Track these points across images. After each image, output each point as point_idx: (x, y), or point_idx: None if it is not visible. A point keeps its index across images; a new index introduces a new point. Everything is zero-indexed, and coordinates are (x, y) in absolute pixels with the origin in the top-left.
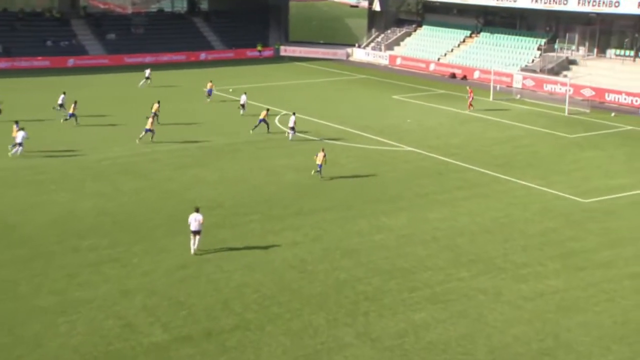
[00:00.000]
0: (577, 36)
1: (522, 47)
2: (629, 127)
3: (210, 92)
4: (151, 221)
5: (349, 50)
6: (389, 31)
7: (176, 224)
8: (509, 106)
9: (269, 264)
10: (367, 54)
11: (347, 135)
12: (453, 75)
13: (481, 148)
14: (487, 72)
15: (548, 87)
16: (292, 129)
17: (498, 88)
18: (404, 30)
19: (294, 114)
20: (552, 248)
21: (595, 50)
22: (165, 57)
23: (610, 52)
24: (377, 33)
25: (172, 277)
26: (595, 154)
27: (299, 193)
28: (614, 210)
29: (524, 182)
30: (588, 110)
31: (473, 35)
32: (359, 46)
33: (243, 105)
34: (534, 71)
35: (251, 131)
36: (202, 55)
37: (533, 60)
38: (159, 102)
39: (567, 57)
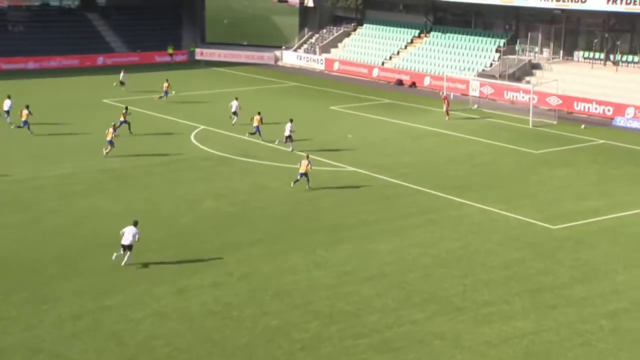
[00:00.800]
0: (540, 36)
1: (478, 49)
2: (601, 141)
3: (166, 93)
4: (34, 263)
5: (278, 53)
6: (324, 31)
7: (66, 266)
8: (466, 118)
9: (184, 310)
10: (299, 57)
11: (277, 154)
12: (400, 82)
13: (435, 167)
14: (440, 78)
15: (509, 95)
16: (289, 137)
17: (452, 96)
18: (342, 29)
19: (290, 120)
20: (518, 283)
21: (561, 52)
22: (53, 62)
23: (578, 54)
24: (310, 33)
25: (63, 331)
26: (564, 172)
27: (220, 224)
28: (587, 238)
29: (484, 207)
30: (555, 122)
31: (422, 35)
32: (290, 48)
33: (235, 113)
34: (493, 77)
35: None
36: (100, 60)
37: (491, 64)
38: (126, 109)
39: (529, 61)
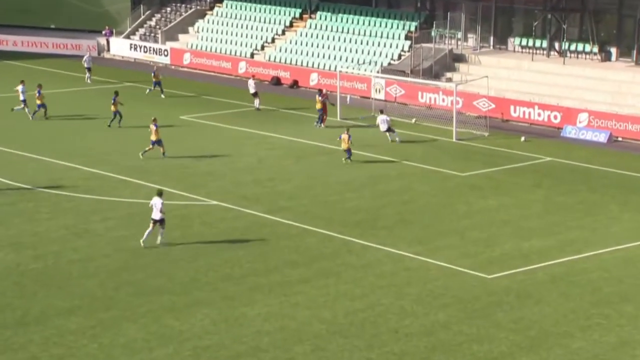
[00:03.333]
0: (463, 18)
1: (382, 36)
2: (547, 158)
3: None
4: None
5: (102, 40)
6: (168, 10)
7: None
8: (365, 128)
9: None
10: (133, 46)
11: (104, 183)
12: (277, 81)
13: (326, 197)
14: (331, 75)
15: (425, 98)
16: (389, 129)
17: (349, 100)
18: (194, 8)
19: (381, 111)
20: (443, 356)
21: (492, 39)
22: None
23: (514, 41)
24: (148, 12)
25: None
26: (499, 201)
27: (20, 288)
28: (532, 291)
29: (394, 250)
30: (486, 134)
31: (305, 16)
32: (120, 34)
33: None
34: (402, 73)
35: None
36: None
37: (400, 56)
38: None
39: (450, 51)
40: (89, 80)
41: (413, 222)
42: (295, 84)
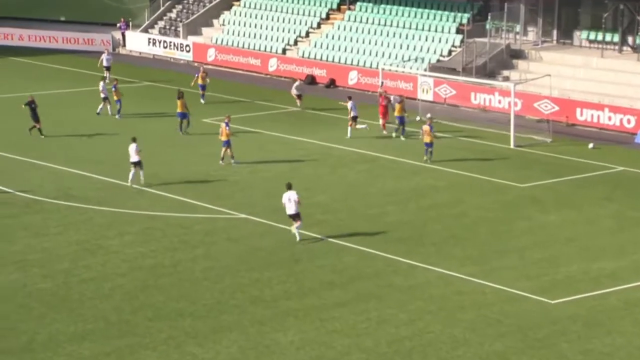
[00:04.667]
0: (523, 9)
1: (430, 29)
2: (619, 168)
3: None
4: None
5: (117, 34)
6: (190, 0)
7: None
8: (413, 133)
9: None
10: (151, 41)
11: (120, 194)
12: (312, 80)
13: (367, 210)
14: (372, 73)
15: (479, 99)
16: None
17: (392, 101)
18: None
19: (349, 98)
20: None
21: (555, 32)
22: None
23: (580, 35)
24: (169, 3)
25: None
26: (564, 216)
27: (27, 310)
28: (601, 319)
29: (444, 271)
30: (549, 140)
31: (343, 8)
32: (137, 28)
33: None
34: (453, 71)
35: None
36: None
37: (450, 52)
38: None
39: (507, 46)
40: (107, 81)
41: (465, 240)
42: (332, 83)
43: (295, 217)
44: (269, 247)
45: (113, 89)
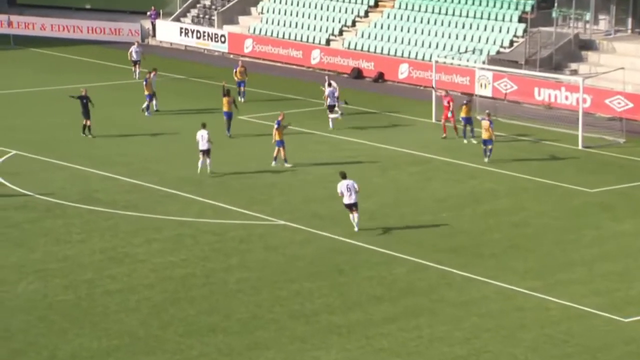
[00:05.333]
0: None
1: (489, 18)
2: None
3: None
4: None
5: (147, 23)
6: None
7: None
8: (470, 132)
9: None
10: (183, 31)
11: (148, 197)
12: (358, 74)
13: (418, 217)
14: (425, 66)
15: (543, 95)
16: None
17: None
18: None
19: (329, 84)
20: None
21: (630, 21)
22: None
23: None
24: None
25: None
26: (638, 225)
27: (46, 323)
28: None
29: (504, 285)
30: (622, 140)
31: None
32: (168, 16)
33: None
34: (515, 64)
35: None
36: None
37: (512, 43)
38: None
39: (576, 36)
40: (137, 76)
41: (527, 250)
42: (380, 77)
43: (354, 206)
44: (309, 256)
45: (144, 82)
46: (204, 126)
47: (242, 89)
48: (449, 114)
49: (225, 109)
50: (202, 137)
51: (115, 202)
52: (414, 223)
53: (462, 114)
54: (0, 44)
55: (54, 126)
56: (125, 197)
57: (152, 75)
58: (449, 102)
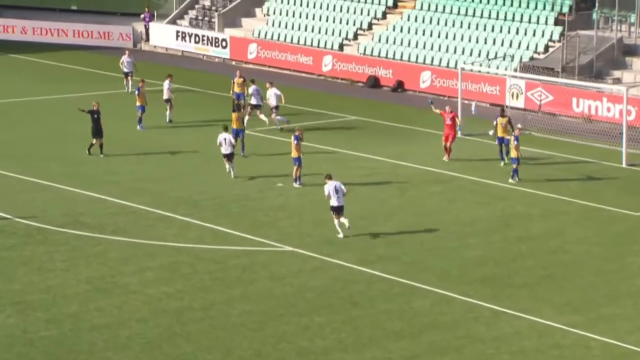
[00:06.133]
0: None
1: (522, 20)
2: None
3: None
4: None
5: (140, 27)
6: None
7: None
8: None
9: None
10: (180, 34)
11: (139, 221)
12: (375, 82)
13: (441, 242)
14: (449, 74)
15: (582, 106)
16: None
17: (474, 109)
18: None
19: (271, 83)
20: None
21: None
22: None
23: None
24: None
25: None
26: None
27: None
28: None
29: (538, 319)
30: None
31: None
32: (163, 18)
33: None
34: (550, 71)
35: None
36: None
37: (547, 48)
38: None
39: (619, 40)
40: (129, 89)
41: (565, 281)
42: (399, 86)
43: (341, 210)
44: (320, 287)
45: (136, 92)
46: (225, 129)
47: (241, 102)
48: (457, 132)
49: (234, 125)
50: (224, 141)
51: (103, 226)
52: (437, 250)
53: (499, 133)
54: None
55: (35, 141)
56: (114, 220)
57: (137, 86)
58: (452, 120)
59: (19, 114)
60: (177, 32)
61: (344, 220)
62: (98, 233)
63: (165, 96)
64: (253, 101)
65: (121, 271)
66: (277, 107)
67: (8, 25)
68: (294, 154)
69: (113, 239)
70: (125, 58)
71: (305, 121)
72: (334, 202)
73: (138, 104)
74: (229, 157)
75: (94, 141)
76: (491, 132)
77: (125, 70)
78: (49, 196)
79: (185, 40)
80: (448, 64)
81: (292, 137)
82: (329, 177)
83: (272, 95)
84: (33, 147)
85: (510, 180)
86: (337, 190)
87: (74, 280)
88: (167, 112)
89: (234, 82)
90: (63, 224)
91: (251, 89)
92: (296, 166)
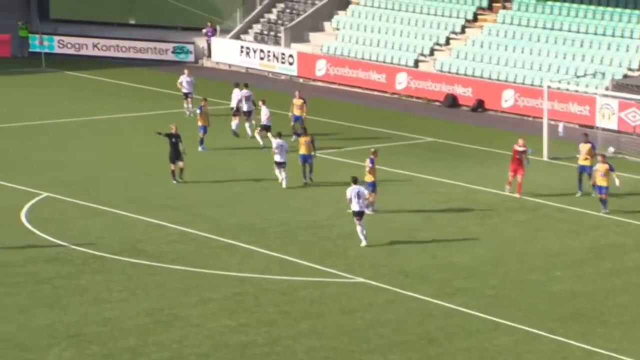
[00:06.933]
0: None
1: (614, 34)
2: None
3: None
4: None
5: (200, 41)
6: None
7: None
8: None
9: None
10: (244, 50)
11: (201, 249)
12: (453, 101)
13: (526, 275)
14: (534, 92)
15: None
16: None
17: (562, 130)
18: None
19: (245, 85)
20: None
21: None
22: None
23: None
24: (267, 1)
25: None
26: None
27: None
28: None
29: None
30: None
31: (495, 5)
32: (226, 33)
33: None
34: None
35: None
36: None
37: None
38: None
39: None
40: (189, 113)
41: None
42: (479, 105)
43: (362, 215)
44: (394, 321)
45: (198, 111)
46: (279, 135)
47: (298, 124)
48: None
49: (301, 150)
50: (281, 147)
51: (162, 254)
52: (522, 283)
53: (581, 160)
54: (30, 66)
55: (91, 163)
56: (174, 248)
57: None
58: (522, 154)
59: (74, 135)
60: (241, 47)
61: (362, 234)
62: (157, 261)
63: (233, 104)
64: (245, 107)
65: (181, 302)
66: (267, 128)
67: (64, 41)
68: (368, 178)
69: (173, 268)
70: (184, 78)
71: (377, 143)
72: (355, 206)
73: (200, 124)
74: (283, 165)
75: (173, 166)
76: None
77: (185, 90)
78: (105, 222)
79: (249, 56)
80: (533, 81)
81: (367, 160)
82: (355, 181)
83: (264, 114)
84: (89, 170)
85: (603, 212)
86: (359, 196)
87: (131, 312)
88: (234, 122)
89: (293, 104)
90: (120, 251)
91: (241, 92)
92: (369, 191)
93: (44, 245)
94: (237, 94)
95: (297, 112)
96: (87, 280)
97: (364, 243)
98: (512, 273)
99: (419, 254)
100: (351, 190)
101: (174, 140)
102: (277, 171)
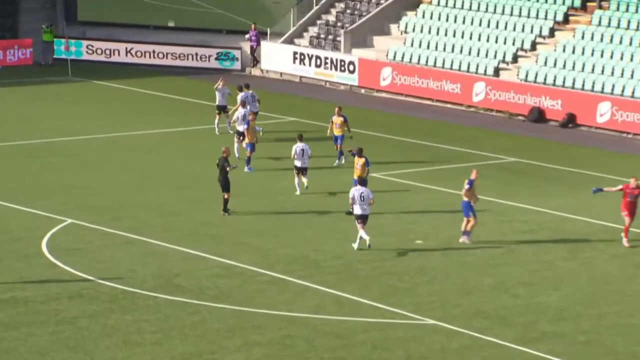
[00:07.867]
0: None
1: None
2: None
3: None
4: None
5: (246, 47)
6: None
7: None
8: None
9: None
10: (298, 57)
11: (245, 284)
12: (539, 115)
13: (625, 319)
14: (634, 105)
15: None
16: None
17: None
18: None
19: (247, 86)
20: None
21: None
22: None
23: None
24: (324, 1)
25: None
26: None
27: None
28: None
29: None
30: None
31: (590, 4)
32: (278, 37)
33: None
34: None
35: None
36: None
37: None
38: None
39: None
40: (218, 129)
41: None
42: (570, 120)
43: (366, 219)
44: None
45: (245, 127)
46: (300, 138)
47: (337, 147)
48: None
49: (357, 173)
50: (303, 152)
51: (202, 290)
52: (619, 327)
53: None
54: (56, 75)
55: (121, 186)
56: (215, 283)
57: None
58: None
59: (102, 153)
60: (295, 53)
61: (366, 237)
62: (196, 299)
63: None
64: (252, 109)
65: (223, 346)
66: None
67: (93, 46)
68: (467, 198)
69: (214, 307)
70: (219, 88)
71: (450, 163)
72: (357, 209)
73: (247, 141)
74: (304, 171)
75: (226, 195)
76: None
77: (219, 103)
78: (137, 253)
79: (304, 64)
80: (633, 93)
81: (466, 182)
82: (362, 182)
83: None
84: (119, 194)
85: None
86: (363, 198)
87: (166, 357)
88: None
89: (332, 122)
90: (154, 287)
91: (243, 94)
92: (470, 217)
93: (67, 279)
94: (241, 97)
95: (337, 131)
96: (116, 320)
97: (368, 244)
98: (607, 316)
99: (499, 293)
100: (354, 191)
101: (227, 167)
102: (296, 179)
